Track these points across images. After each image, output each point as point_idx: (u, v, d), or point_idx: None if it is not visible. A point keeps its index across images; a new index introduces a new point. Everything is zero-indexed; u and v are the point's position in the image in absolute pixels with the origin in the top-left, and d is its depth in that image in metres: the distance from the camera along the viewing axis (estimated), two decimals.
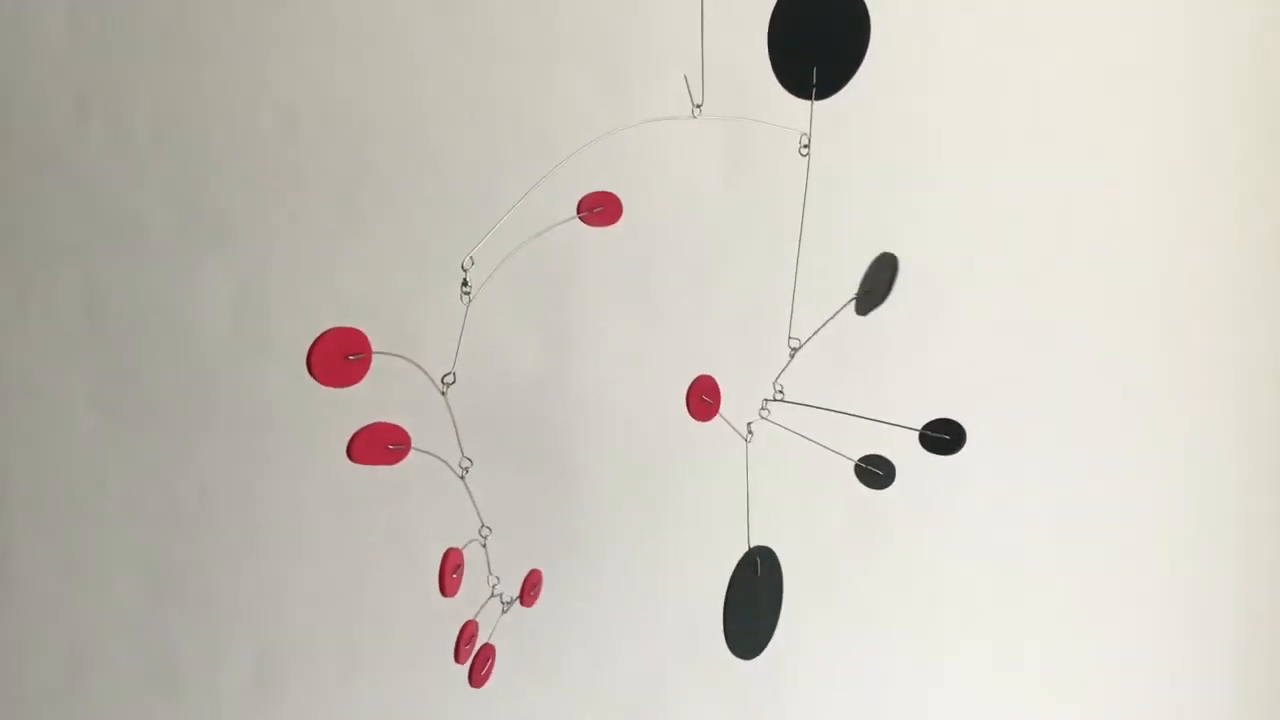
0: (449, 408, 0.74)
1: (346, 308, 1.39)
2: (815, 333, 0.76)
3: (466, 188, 1.36)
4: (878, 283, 0.72)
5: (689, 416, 0.76)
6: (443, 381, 0.74)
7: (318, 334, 0.66)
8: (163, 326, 1.43)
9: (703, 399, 0.77)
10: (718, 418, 0.77)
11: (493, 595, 0.80)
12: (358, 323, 1.38)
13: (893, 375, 1.29)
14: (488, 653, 0.76)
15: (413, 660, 1.40)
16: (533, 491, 1.33)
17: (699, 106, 0.74)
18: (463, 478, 0.76)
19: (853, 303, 0.74)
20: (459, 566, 0.72)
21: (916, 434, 0.74)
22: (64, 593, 1.47)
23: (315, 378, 0.65)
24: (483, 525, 0.77)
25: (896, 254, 0.74)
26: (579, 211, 0.78)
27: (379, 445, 0.71)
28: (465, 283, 0.74)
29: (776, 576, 0.76)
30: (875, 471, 0.77)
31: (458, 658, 0.74)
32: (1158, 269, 1.30)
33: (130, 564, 1.45)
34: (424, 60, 1.36)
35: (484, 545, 0.76)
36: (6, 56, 1.45)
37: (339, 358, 0.68)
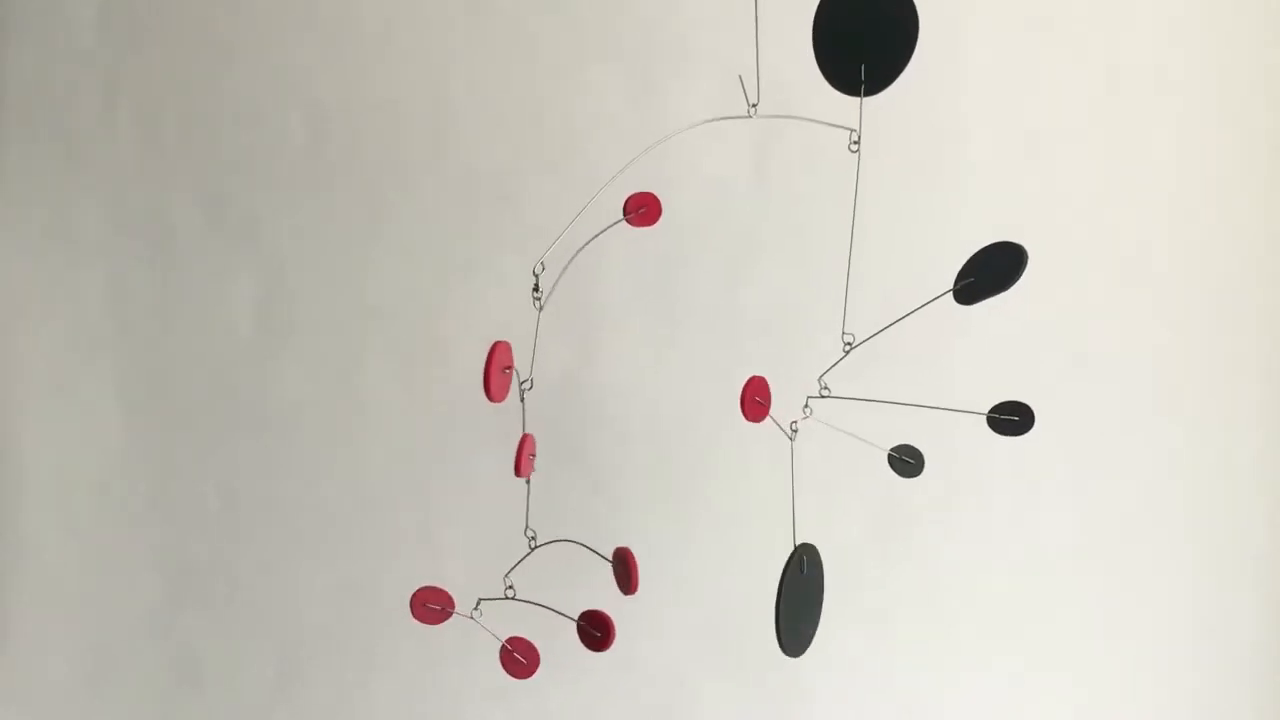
0: (523, 412, 0.74)
1: (373, 309, 1.39)
2: (875, 334, 0.76)
3: (494, 190, 1.36)
4: (992, 272, 0.71)
5: (742, 418, 0.77)
6: (520, 387, 0.74)
7: (487, 351, 0.74)
8: (189, 326, 1.44)
9: (756, 400, 0.77)
10: (768, 418, 0.77)
11: (506, 596, 0.80)
12: (384, 322, 1.39)
13: (916, 378, 1.29)
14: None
15: (433, 660, 1.40)
16: (560, 490, 1.33)
17: (754, 106, 0.74)
18: (528, 481, 0.77)
19: (951, 292, 0.74)
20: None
21: (984, 418, 0.74)
22: (87, 590, 1.48)
23: (490, 396, 0.68)
24: (527, 527, 0.78)
25: (1025, 246, 0.72)
26: (625, 214, 0.78)
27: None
28: (537, 287, 0.73)
29: (818, 574, 0.76)
30: (907, 460, 0.78)
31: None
32: (1189, 273, 1.29)
33: (153, 562, 1.46)
34: (453, 62, 1.37)
35: (532, 545, 0.77)
36: (36, 55, 1.46)
37: (498, 371, 0.71)
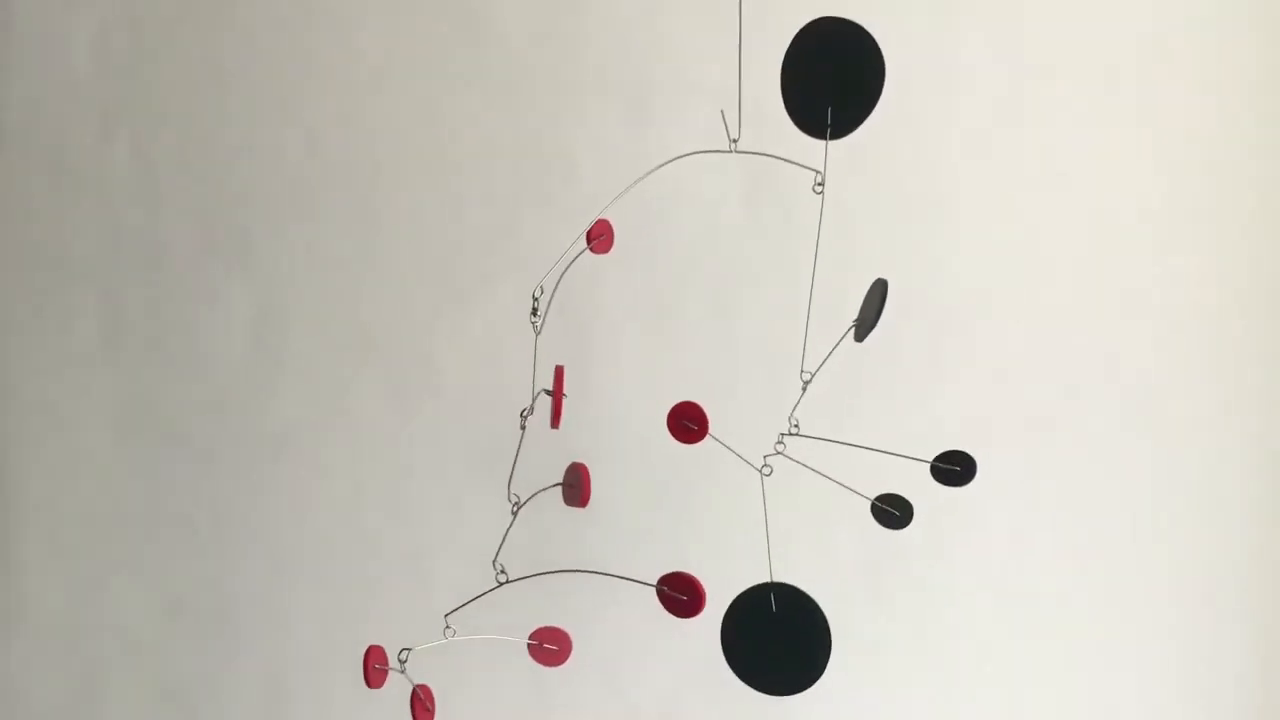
0: (519, 442, 0.74)
1: (366, 333, 1.40)
2: (821, 364, 0.76)
3: (488, 216, 1.37)
4: (870, 309, 0.73)
5: (733, 449, 0.77)
6: (521, 416, 0.74)
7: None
8: (181, 348, 1.44)
9: (685, 424, 0.77)
10: (709, 440, 0.77)
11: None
12: (377, 346, 1.39)
13: (907, 409, 1.29)
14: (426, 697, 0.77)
15: (400, 673, 1.39)
16: (549, 519, 1.33)
17: (735, 141, 0.74)
18: (514, 513, 0.76)
19: (852, 331, 0.75)
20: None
21: (927, 466, 0.74)
22: (76, 612, 1.48)
23: (557, 424, 0.75)
24: (496, 562, 0.77)
25: (887, 280, 0.75)
26: (588, 241, 0.79)
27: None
28: (535, 311, 0.74)
29: (800, 614, 0.74)
30: (893, 512, 0.76)
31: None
32: (1171, 306, 1.30)
33: (143, 584, 1.46)
34: (448, 89, 1.38)
35: (499, 581, 0.76)
36: (32, 77, 1.47)
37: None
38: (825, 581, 1.32)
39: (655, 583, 0.72)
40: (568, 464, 0.75)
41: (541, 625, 0.79)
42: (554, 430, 0.75)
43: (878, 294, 0.73)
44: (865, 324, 0.74)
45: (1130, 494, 1.30)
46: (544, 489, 0.76)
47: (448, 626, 0.75)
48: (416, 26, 1.38)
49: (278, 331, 1.41)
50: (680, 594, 0.70)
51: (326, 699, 1.42)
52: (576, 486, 0.73)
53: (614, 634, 1.35)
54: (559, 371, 0.74)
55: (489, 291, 1.36)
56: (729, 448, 0.76)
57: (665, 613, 1.33)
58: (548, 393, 0.75)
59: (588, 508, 1.33)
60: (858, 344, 0.76)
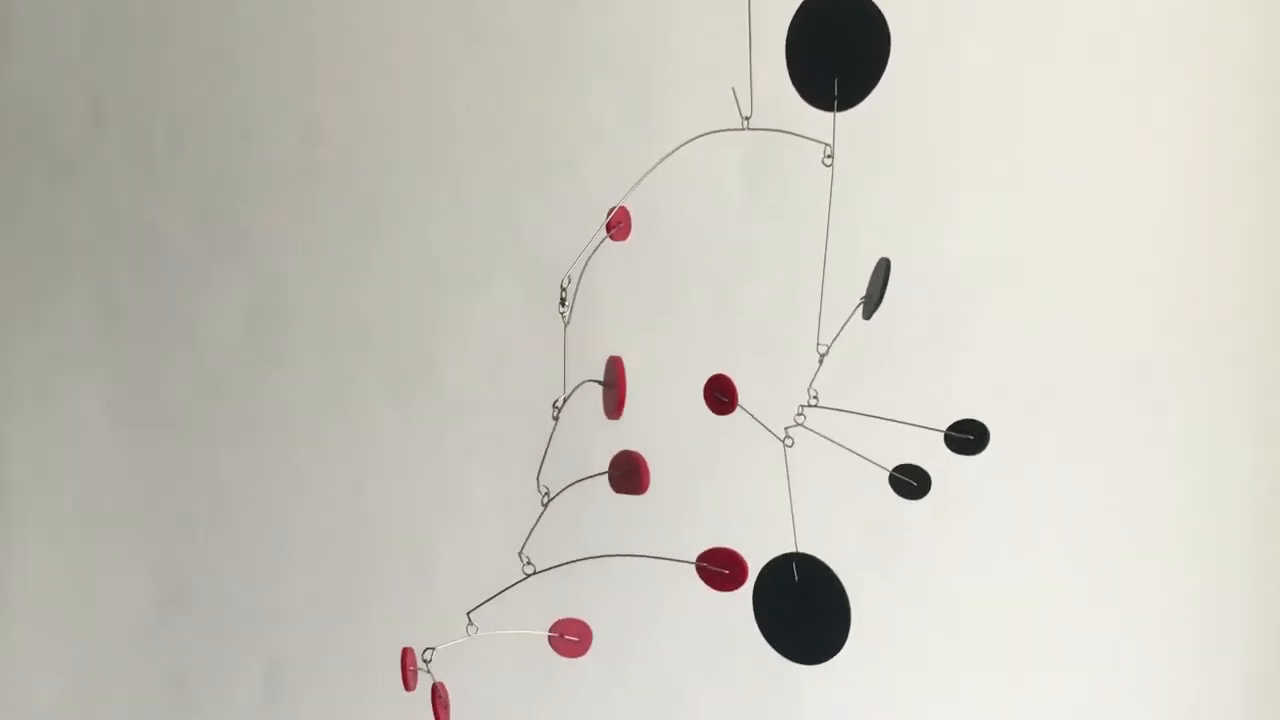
0: (551, 433, 0.74)
1: (363, 321, 1.39)
2: (835, 337, 0.76)
3: (487, 205, 1.36)
4: (875, 287, 0.73)
5: (738, 428, 0.77)
6: (554, 407, 0.74)
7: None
8: (177, 334, 1.43)
9: (717, 397, 0.77)
10: (738, 412, 0.77)
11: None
12: (375, 335, 1.39)
13: (915, 386, 1.29)
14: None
15: (425, 672, 1.39)
16: (554, 504, 1.33)
17: (748, 119, 0.74)
18: (544, 504, 0.76)
19: (860, 309, 0.75)
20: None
21: (941, 435, 0.74)
22: (74, 601, 1.47)
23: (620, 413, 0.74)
24: (523, 554, 0.77)
25: (890, 259, 0.75)
26: (608, 229, 0.79)
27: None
28: (563, 300, 0.73)
29: (820, 584, 0.75)
30: (910, 483, 0.77)
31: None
32: (1177, 282, 1.29)
33: (141, 573, 1.45)
34: (447, 75, 1.37)
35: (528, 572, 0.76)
36: (24, 62, 1.46)
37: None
38: (829, 556, 1.33)
39: (695, 559, 0.71)
40: (616, 453, 0.74)
41: (560, 618, 0.79)
42: (614, 420, 0.75)
43: (882, 273, 0.74)
44: (871, 301, 0.75)
45: (1135, 470, 1.30)
46: (581, 480, 0.76)
47: (470, 624, 0.75)
48: (414, 13, 1.37)
49: (274, 318, 1.41)
50: (722, 568, 0.70)
51: (325, 686, 1.42)
52: (634, 475, 0.73)
53: (617, 621, 1.35)
54: (619, 363, 0.74)
55: (489, 279, 1.36)
56: (756, 418, 0.76)
57: (668, 597, 1.33)
58: (598, 383, 0.74)
59: (590, 487, 1.33)
60: (866, 321, 0.76)
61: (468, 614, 0.74)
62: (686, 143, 0.74)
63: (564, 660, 1.38)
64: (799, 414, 0.77)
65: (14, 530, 1.48)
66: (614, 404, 0.74)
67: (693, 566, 0.77)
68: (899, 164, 1.30)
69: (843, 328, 0.76)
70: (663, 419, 1.32)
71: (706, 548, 0.74)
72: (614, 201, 0.89)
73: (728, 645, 1.33)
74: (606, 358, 0.76)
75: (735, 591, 0.72)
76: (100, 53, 1.44)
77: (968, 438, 0.75)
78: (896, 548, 1.32)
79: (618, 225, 0.81)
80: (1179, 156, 1.29)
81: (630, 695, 1.36)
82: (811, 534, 1.28)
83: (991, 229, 1.31)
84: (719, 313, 1.33)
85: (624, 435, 1.32)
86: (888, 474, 0.78)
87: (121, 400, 1.45)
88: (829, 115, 0.75)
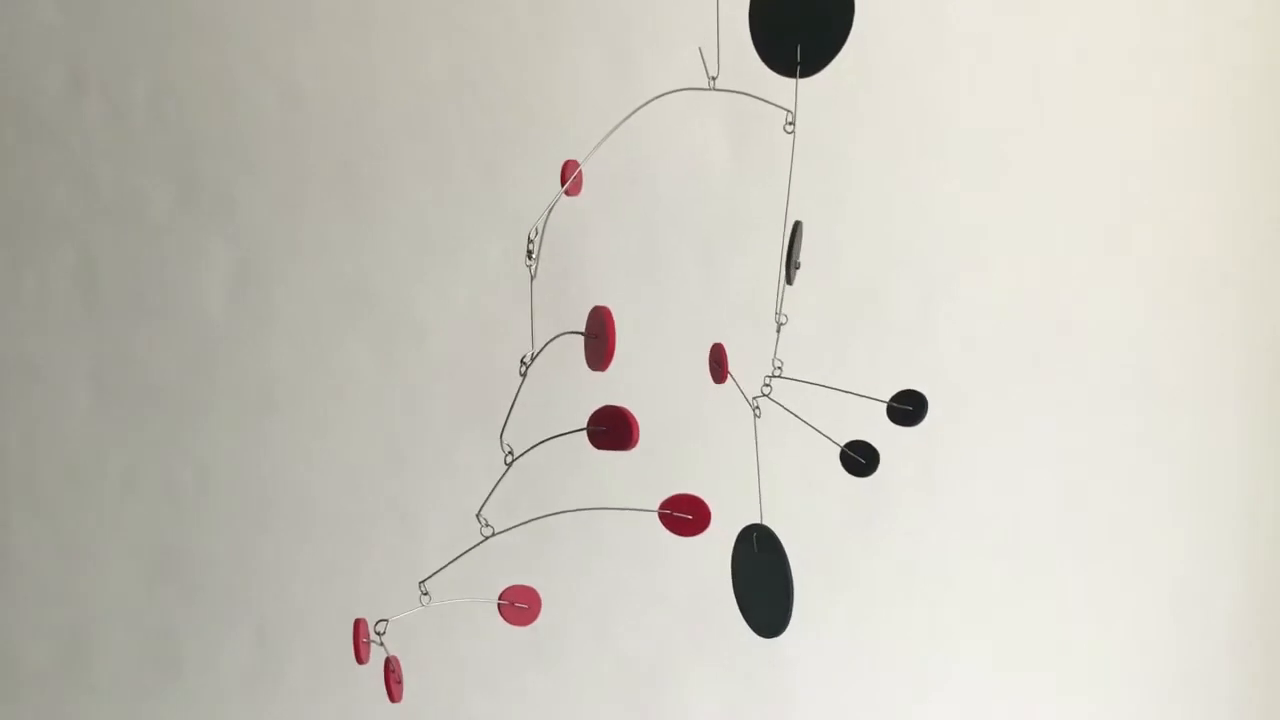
0: (518, 390, 0.73)
1: (348, 289, 1.38)
2: (778, 305, 0.75)
3: (472, 169, 1.35)
4: (795, 251, 0.73)
5: (719, 398, 0.76)
6: (521, 363, 0.72)
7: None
8: (161, 305, 1.42)
9: (716, 365, 0.77)
10: (729, 383, 0.76)
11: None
12: (361, 302, 1.38)
13: (899, 359, 1.28)
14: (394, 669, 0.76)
15: (414, 641, 1.39)
16: (537, 472, 1.32)
17: (714, 79, 0.72)
18: (507, 464, 0.74)
19: (784, 275, 0.74)
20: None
21: (884, 406, 0.74)
22: (62, 574, 1.46)
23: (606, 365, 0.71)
24: (479, 514, 0.75)
25: (803, 221, 0.74)
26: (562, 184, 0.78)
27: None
28: (530, 254, 0.72)
29: (775, 556, 0.74)
30: (859, 460, 0.76)
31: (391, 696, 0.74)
32: (1164, 257, 1.29)
33: (129, 544, 1.44)
34: (428, 39, 1.35)
35: (484, 534, 0.75)
36: (0, 29, 1.43)
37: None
38: (815, 527, 1.33)
39: (656, 508, 0.70)
40: (590, 310, 0.72)
41: (513, 584, 0.78)
42: (600, 372, 0.73)
43: (797, 236, 0.73)
44: (791, 265, 0.74)
45: (1121, 434, 1.30)
46: (555, 436, 0.75)
47: (424, 594, 0.74)
48: None
49: (259, 286, 1.39)
50: (685, 514, 0.69)
51: (315, 657, 1.42)
52: (619, 429, 0.71)
53: (603, 586, 1.35)
54: (607, 313, 0.71)
55: (475, 243, 1.35)
56: (739, 387, 0.75)
57: (653, 563, 1.33)
58: (578, 334, 0.72)
59: (573, 455, 1.33)
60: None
61: (420, 583, 0.72)
62: (648, 102, 0.73)
63: (548, 630, 1.38)
64: (765, 384, 0.77)
65: (0, 501, 1.47)
66: (601, 355, 0.72)
67: (683, 538, 0.76)
68: (882, 132, 1.28)
69: (781, 296, 0.75)
70: (648, 381, 1.32)
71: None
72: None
73: (715, 611, 1.33)
74: (591, 308, 0.74)
75: (698, 536, 0.71)
76: (78, 18, 1.42)
77: (907, 408, 0.75)
78: (885, 518, 1.32)
79: (569, 180, 0.79)
80: (1173, 116, 1.28)
81: (616, 663, 1.36)
82: (799, 505, 1.28)
83: (979, 204, 1.30)
84: (705, 278, 1.32)
85: (609, 393, 1.32)
86: (839, 451, 0.78)
87: (105, 369, 1.44)
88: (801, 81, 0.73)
